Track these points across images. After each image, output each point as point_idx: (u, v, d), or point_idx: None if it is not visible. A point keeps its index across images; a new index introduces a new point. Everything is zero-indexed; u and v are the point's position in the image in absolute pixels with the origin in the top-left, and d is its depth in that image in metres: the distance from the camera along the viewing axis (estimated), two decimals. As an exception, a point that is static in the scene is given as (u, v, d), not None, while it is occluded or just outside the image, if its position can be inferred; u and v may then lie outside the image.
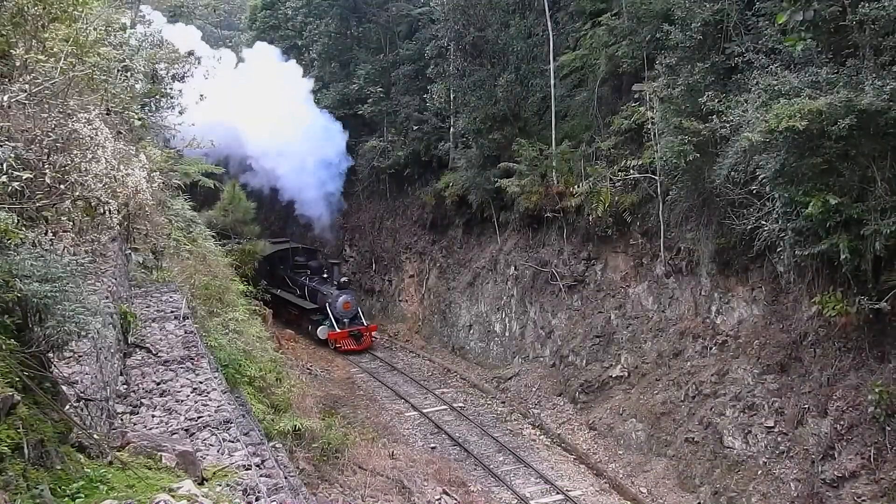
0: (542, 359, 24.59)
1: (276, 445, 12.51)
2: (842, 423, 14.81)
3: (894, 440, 13.75)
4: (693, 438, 18.21)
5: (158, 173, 11.74)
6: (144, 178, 8.16)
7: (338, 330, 29.34)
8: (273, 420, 13.63)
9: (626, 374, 21.27)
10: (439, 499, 17.23)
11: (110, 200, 6.80)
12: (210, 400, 8.54)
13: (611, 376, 21.62)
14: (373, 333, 30.33)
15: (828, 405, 15.26)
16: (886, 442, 13.90)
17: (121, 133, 12.39)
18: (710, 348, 18.88)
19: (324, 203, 36.37)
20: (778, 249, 15.83)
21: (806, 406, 15.81)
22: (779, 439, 16.17)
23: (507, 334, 26.68)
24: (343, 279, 30.95)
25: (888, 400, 13.74)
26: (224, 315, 14.53)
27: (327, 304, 29.89)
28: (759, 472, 16.34)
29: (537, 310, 25.07)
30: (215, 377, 9.69)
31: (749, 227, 16.17)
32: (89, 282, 8.17)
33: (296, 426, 14.28)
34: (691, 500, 17.47)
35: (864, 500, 13.91)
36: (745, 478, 16.58)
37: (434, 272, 31.46)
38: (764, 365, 17.08)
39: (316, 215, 36.92)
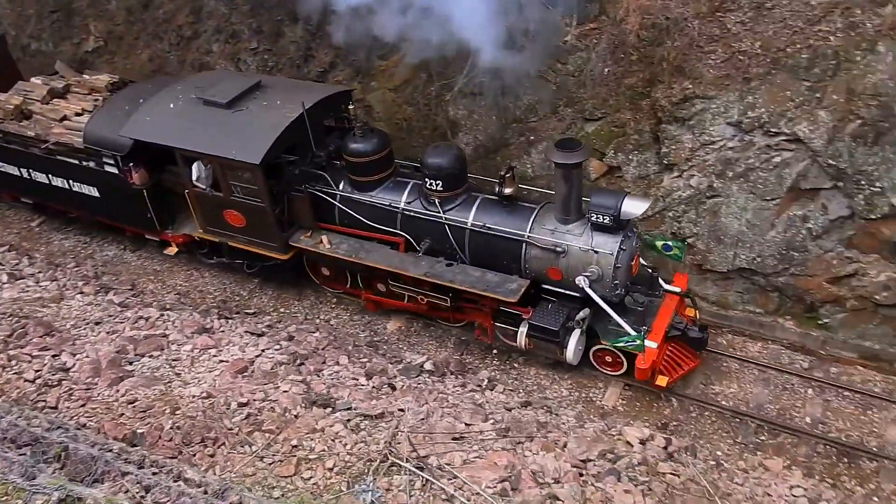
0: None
1: None
2: None
3: None
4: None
5: None
6: None
7: (638, 339, 10.21)
8: None
9: (104, 43, 19.79)
10: None
11: None
12: None
13: (87, 51, 19.95)
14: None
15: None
16: None
17: None
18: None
19: None
20: None
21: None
22: (265, 56, 17.21)
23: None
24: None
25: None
26: None
27: (584, 280, 10.56)
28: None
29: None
30: None
31: None
32: None
33: None
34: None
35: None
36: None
37: None
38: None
39: None
